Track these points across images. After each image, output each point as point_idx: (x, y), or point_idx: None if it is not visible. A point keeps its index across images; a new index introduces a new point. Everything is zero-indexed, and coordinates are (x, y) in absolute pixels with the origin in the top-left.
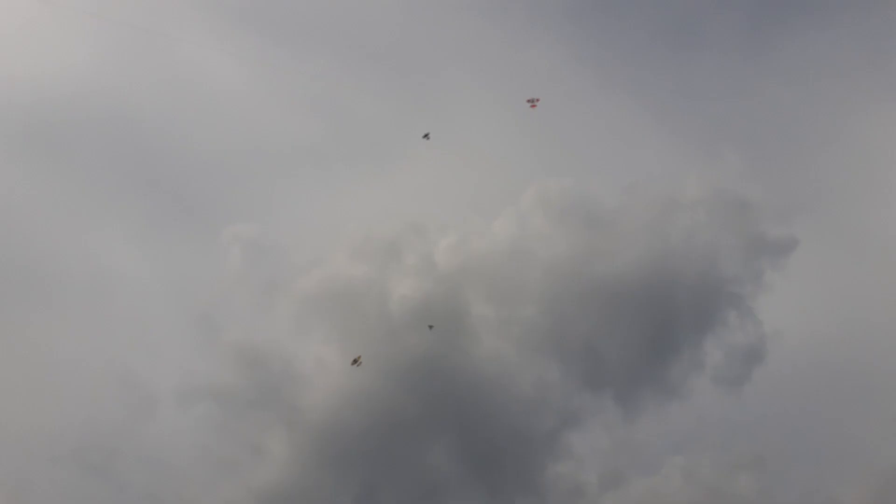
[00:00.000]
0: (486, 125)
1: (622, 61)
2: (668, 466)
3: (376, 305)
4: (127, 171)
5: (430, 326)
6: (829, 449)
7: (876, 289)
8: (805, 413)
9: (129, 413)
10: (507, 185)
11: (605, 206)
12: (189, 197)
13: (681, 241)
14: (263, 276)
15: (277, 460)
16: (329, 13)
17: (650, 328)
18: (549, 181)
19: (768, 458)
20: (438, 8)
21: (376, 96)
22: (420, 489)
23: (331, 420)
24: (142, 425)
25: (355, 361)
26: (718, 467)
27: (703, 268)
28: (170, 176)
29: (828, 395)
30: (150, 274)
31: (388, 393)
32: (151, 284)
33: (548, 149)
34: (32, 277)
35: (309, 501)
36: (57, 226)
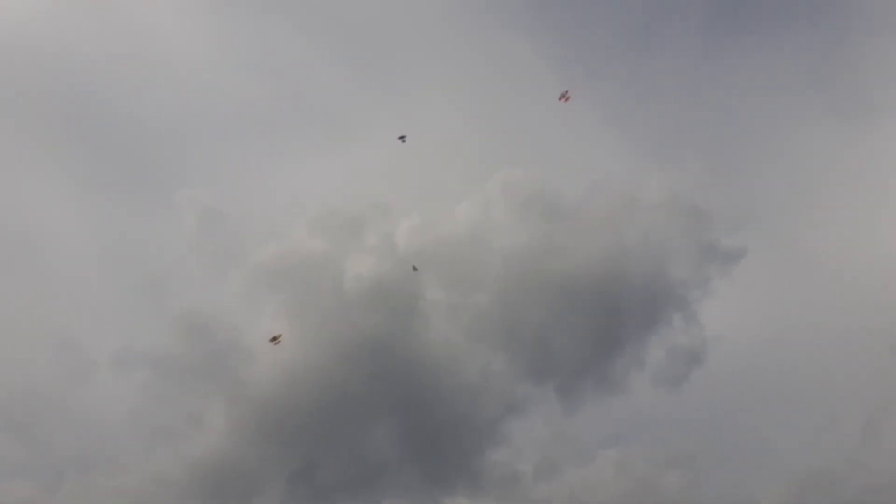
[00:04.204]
0: (448, 111)
1: (589, 60)
2: (602, 459)
3: (331, 282)
4: (66, 125)
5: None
6: (754, 451)
7: (810, 304)
8: (734, 416)
9: (60, 374)
10: (472, 171)
11: (567, 201)
12: (135, 157)
13: (636, 242)
14: (216, 243)
15: (215, 432)
16: None
17: (598, 324)
18: (515, 170)
19: (697, 456)
20: None
21: (339, 71)
22: (358, 468)
23: (274, 394)
24: (74, 388)
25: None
26: (650, 462)
27: (654, 269)
28: (114, 134)
29: (757, 401)
30: (87, 234)
31: (334, 371)
32: (90, 245)
33: (513, 140)
34: None
35: (244, 474)
36: None
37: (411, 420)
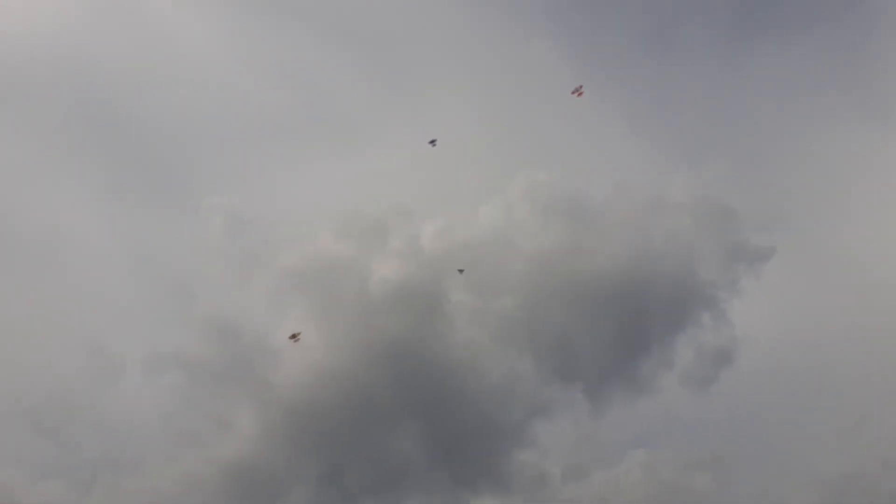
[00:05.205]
0: (468, 114)
1: (610, 61)
2: (629, 461)
3: (356, 285)
4: (92, 134)
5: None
6: (783, 454)
7: (841, 304)
8: (764, 417)
9: (91, 378)
10: (494, 174)
11: (591, 203)
12: (161, 164)
13: (662, 242)
14: (243, 248)
15: (243, 435)
16: None
17: (625, 325)
18: (537, 173)
19: (726, 458)
20: None
21: (359, 76)
22: (385, 471)
23: (301, 397)
24: (104, 391)
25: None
26: (677, 464)
27: (682, 269)
28: (139, 142)
29: (787, 402)
30: (115, 240)
31: (361, 374)
32: (117, 250)
33: (536, 141)
34: None
35: (273, 477)
36: (9, 180)
37: (437, 422)
